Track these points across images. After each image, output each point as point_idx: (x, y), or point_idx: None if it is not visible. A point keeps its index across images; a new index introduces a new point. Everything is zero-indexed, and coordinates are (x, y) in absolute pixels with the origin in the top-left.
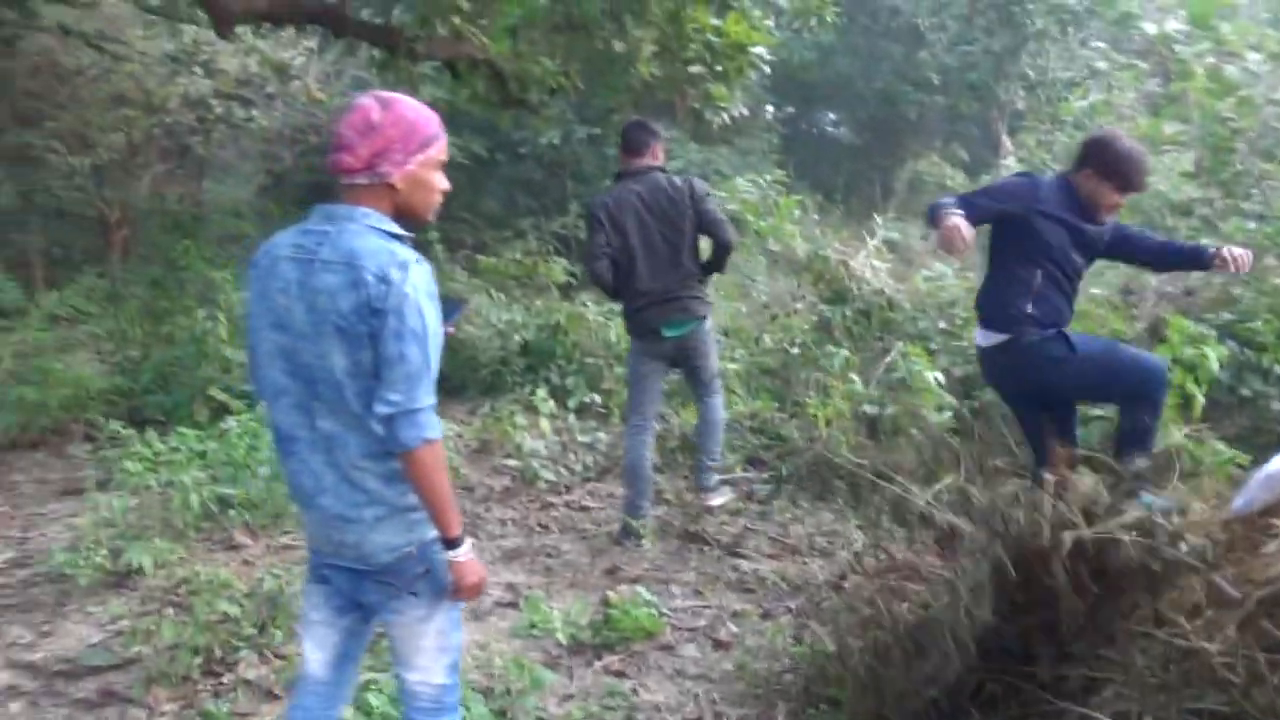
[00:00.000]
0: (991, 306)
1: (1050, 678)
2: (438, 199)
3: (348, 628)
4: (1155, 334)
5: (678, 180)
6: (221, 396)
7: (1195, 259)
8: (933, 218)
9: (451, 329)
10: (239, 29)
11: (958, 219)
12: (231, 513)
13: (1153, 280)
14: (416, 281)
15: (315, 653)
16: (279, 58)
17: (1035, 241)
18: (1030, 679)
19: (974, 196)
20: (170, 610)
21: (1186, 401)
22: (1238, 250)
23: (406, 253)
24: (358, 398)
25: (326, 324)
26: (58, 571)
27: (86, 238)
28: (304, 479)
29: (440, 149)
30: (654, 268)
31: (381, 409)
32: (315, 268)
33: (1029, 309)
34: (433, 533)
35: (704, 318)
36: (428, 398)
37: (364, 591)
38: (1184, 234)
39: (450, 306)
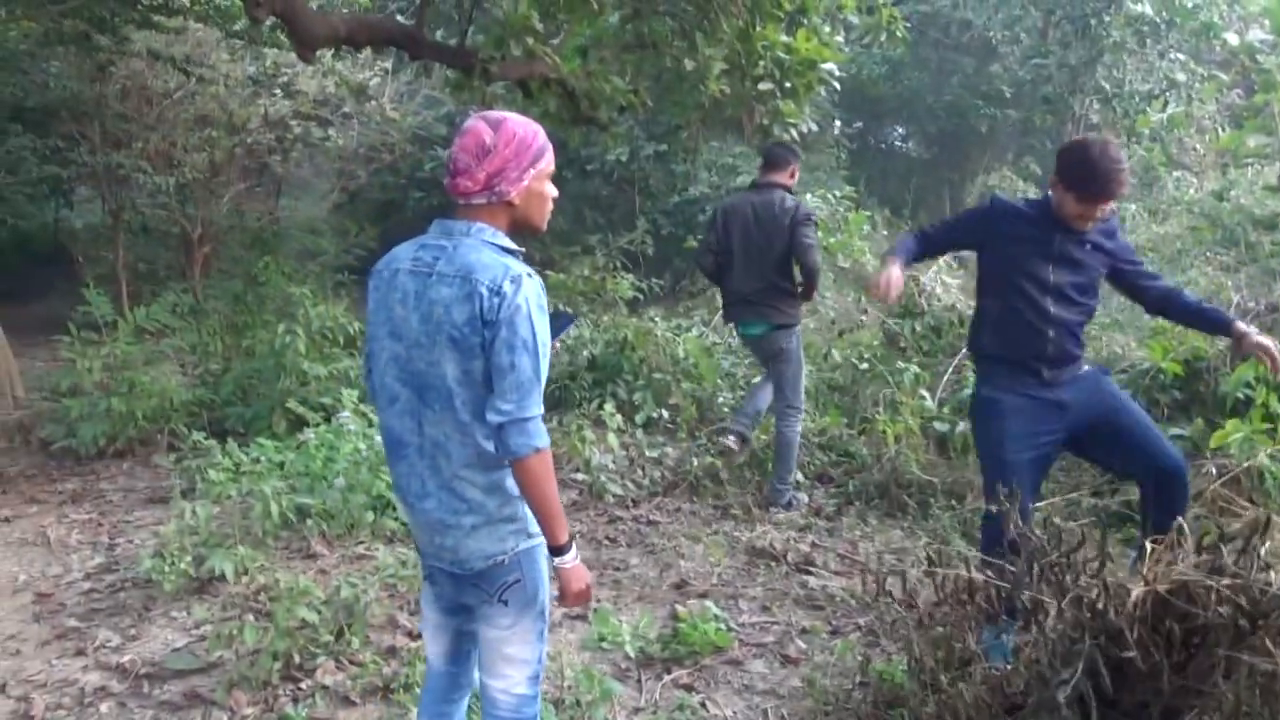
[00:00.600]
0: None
1: (1131, 704)
2: (550, 207)
3: (457, 627)
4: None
5: (789, 201)
6: (299, 409)
7: (1214, 325)
8: (882, 261)
9: (556, 344)
10: (319, 52)
11: (892, 269)
12: (309, 522)
13: (1235, 296)
14: (529, 294)
15: (434, 646)
16: (356, 79)
17: (994, 271)
18: (1111, 705)
19: (932, 229)
20: (251, 616)
21: (1272, 420)
22: (1268, 342)
23: (519, 267)
24: (465, 406)
25: (441, 334)
26: (144, 577)
27: (171, 254)
28: (410, 482)
29: (549, 161)
30: (745, 272)
31: (493, 417)
32: (432, 280)
33: (984, 343)
34: (526, 544)
35: (778, 325)
36: (537, 408)
37: (462, 594)
38: (1267, 250)
39: (560, 321)
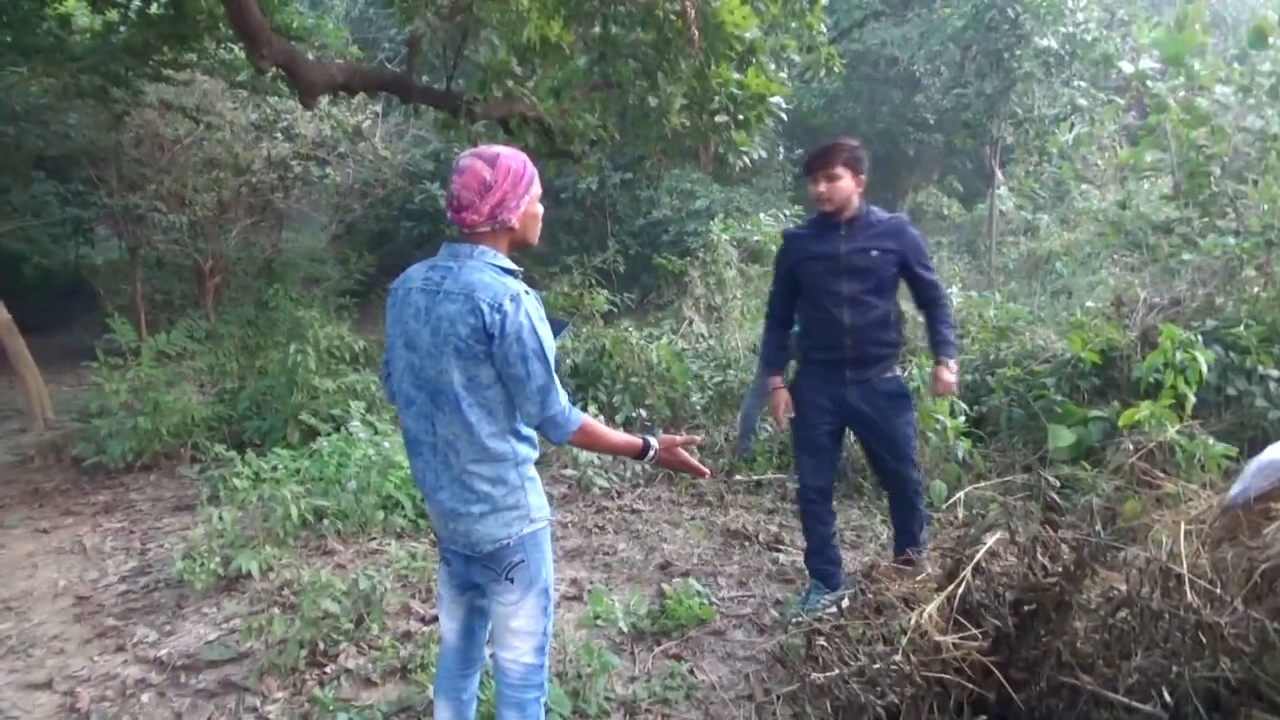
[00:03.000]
0: None
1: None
2: (540, 224)
3: (468, 604)
4: (1148, 341)
5: None
6: (311, 421)
7: (933, 349)
8: (765, 371)
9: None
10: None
11: (779, 396)
12: (325, 522)
13: (1142, 292)
14: (529, 309)
15: (448, 622)
16: (350, 122)
17: (803, 290)
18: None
19: (771, 306)
20: (277, 609)
21: (1179, 401)
22: (950, 381)
23: (518, 285)
24: (471, 409)
25: (448, 345)
26: (176, 578)
27: (185, 285)
28: (427, 475)
29: (538, 185)
30: None
31: (528, 423)
32: (440, 297)
33: (802, 345)
34: (529, 529)
35: None
36: (560, 401)
37: (473, 573)
38: (1166, 250)
39: (557, 326)
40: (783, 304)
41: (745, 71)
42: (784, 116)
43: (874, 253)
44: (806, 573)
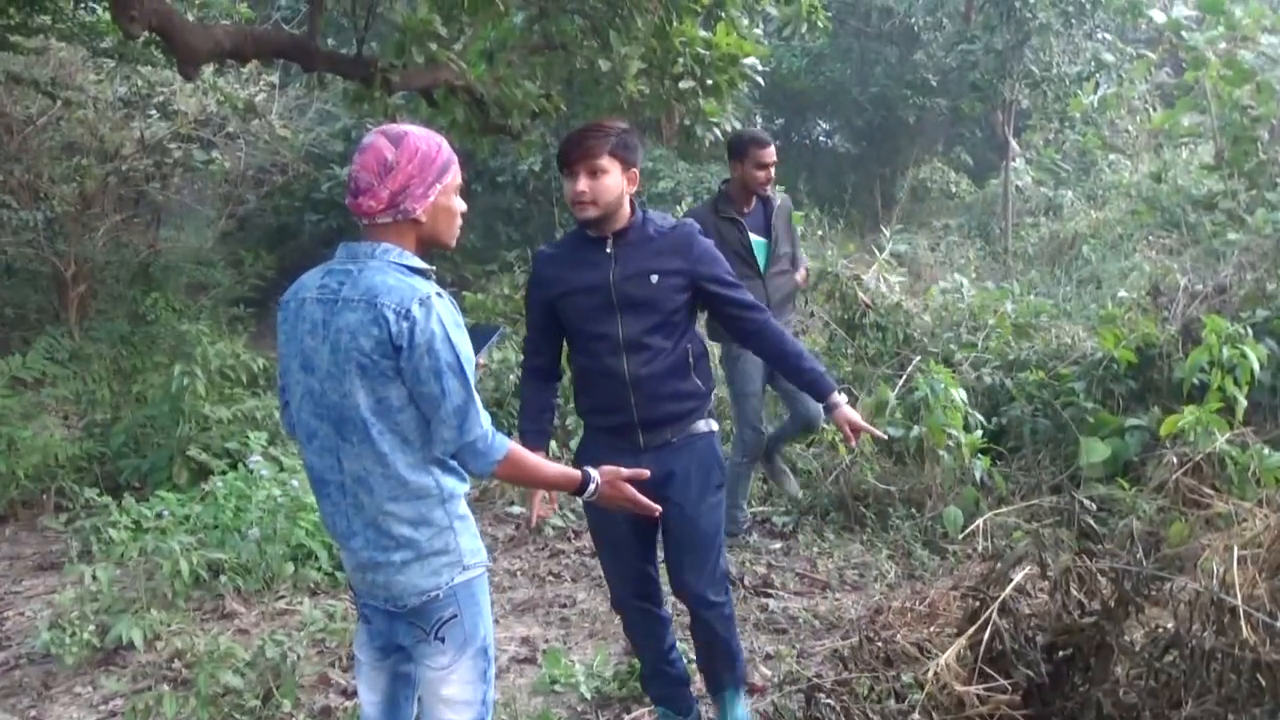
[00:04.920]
0: None
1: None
2: (459, 223)
3: (392, 670)
4: (1190, 336)
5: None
6: (202, 457)
7: (812, 388)
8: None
9: (483, 360)
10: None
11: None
12: (222, 579)
13: (1181, 279)
14: (442, 315)
15: (368, 694)
16: (240, 95)
17: (568, 330)
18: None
19: (525, 353)
20: (166, 686)
21: (1229, 405)
22: (856, 419)
23: (428, 287)
24: (383, 437)
25: (350, 363)
26: (41, 651)
27: (41, 296)
28: (337, 520)
29: (456, 174)
30: None
31: (442, 449)
32: (338, 307)
33: (579, 406)
34: (462, 577)
35: None
36: (482, 424)
37: (397, 633)
38: (1209, 229)
39: (481, 336)
40: (542, 349)
41: (714, 28)
42: (760, 81)
43: (653, 277)
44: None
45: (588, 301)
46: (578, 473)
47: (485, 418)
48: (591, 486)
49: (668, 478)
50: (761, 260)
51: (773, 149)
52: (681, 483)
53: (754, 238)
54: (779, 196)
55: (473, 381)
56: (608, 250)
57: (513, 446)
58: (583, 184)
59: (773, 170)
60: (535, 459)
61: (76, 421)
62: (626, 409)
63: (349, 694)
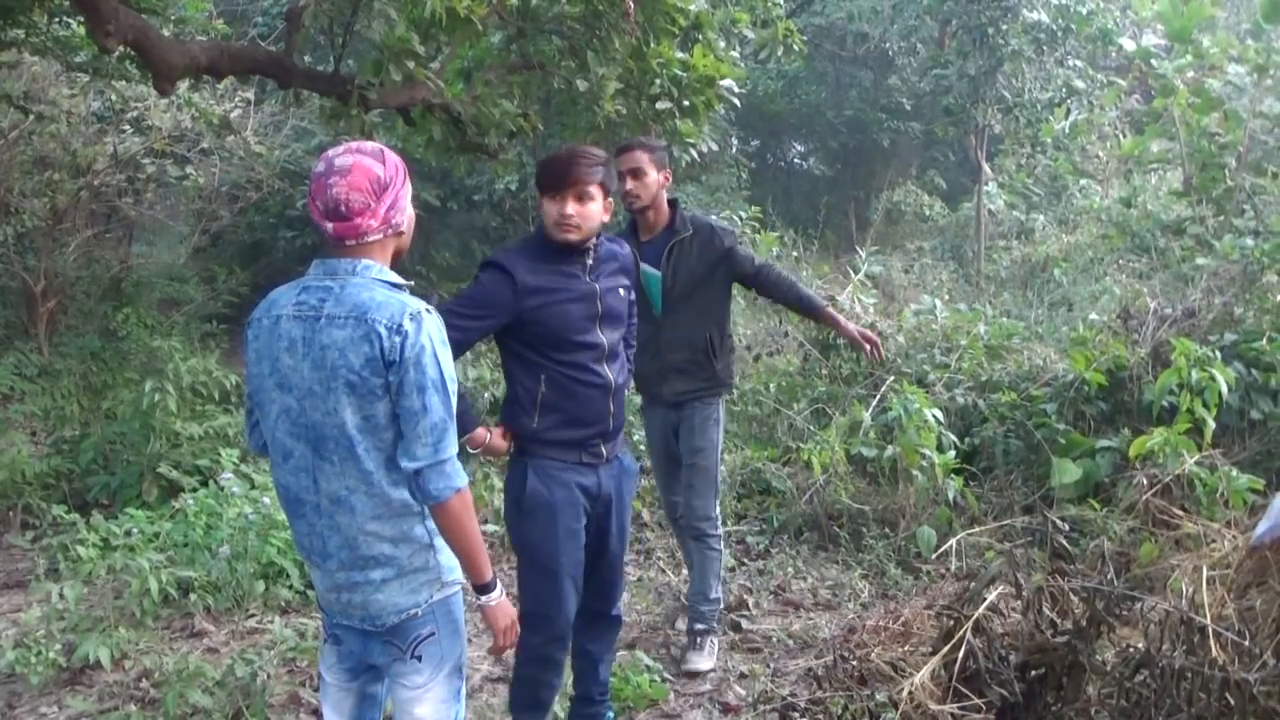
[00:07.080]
0: None
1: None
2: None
3: (360, 691)
4: (1159, 359)
5: None
6: (172, 474)
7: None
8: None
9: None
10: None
11: (496, 437)
12: (192, 597)
13: (1151, 303)
14: (431, 331)
15: (333, 716)
16: (215, 111)
17: (538, 344)
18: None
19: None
20: (134, 706)
21: (1198, 427)
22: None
23: (416, 302)
24: (369, 454)
25: (337, 380)
26: (5, 671)
27: (10, 311)
28: (311, 541)
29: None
30: None
31: (409, 464)
32: (321, 324)
33: (535, 424)
34: (440, 595)
35: None
36: (453, 447)
37: (372, 653)
38: (1178, 254)
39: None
40: (463, 347)
41: (691, 50)
42: (736, 103)
43: (621, 291)
44: None
45: (578, 310)
46: (490, 566)
47: (456, 443)
48: (496, 591)
49: (615, 495)
50: (654, 297)
51: (635, 154)
52: (619, 502)
53: (645, 267)
54: (707, 222)
55: (453, 402)
56: (589, 262)
57: (468, 484)
58: (571, 208)
59: (645, 181)
60: (473, 517)
61: (44, 438)
62: (605, 418)
63: (319, 714)
